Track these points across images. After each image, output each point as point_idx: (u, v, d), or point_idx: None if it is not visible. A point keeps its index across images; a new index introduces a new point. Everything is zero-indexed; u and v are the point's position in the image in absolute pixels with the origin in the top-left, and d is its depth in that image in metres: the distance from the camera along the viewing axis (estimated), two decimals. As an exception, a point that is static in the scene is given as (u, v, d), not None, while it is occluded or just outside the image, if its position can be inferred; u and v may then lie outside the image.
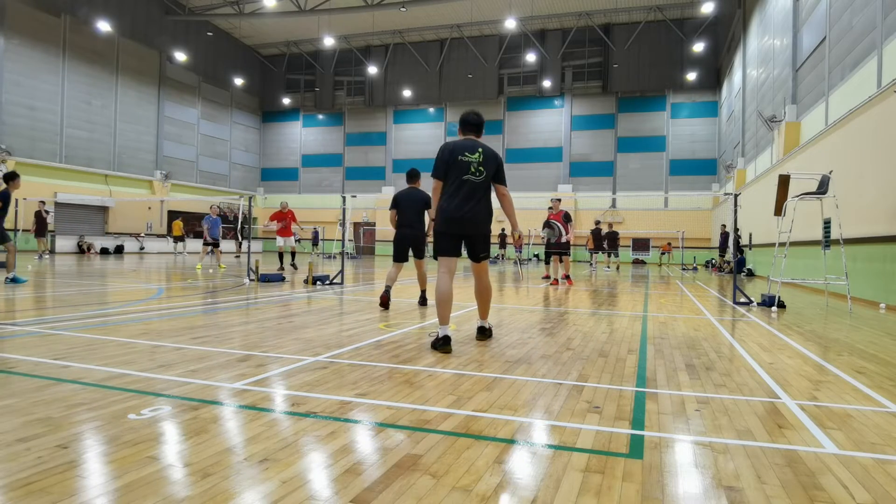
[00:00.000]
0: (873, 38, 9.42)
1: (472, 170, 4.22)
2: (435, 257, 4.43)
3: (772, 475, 1.92)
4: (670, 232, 28.20)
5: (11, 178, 8.97)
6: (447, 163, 4.23)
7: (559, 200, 11.85)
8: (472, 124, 4.40)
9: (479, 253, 4.42)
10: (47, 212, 18.01)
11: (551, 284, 11.46)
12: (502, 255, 28.95)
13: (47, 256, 17.74)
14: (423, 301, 7.16)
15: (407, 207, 6.83)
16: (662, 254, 27.45)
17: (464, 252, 4.50)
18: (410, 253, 7.04)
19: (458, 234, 4.30)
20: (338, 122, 37.51)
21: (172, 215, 30.90)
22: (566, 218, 11.58)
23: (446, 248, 4.31)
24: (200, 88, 33.12)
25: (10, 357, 3.50)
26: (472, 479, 1.83)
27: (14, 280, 8.71)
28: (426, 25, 33.10)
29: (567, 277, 11.58)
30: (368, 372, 3.34)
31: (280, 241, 13.67)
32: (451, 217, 4.23)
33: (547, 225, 11.68)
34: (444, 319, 4.19)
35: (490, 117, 33.84)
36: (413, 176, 7.11)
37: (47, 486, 1.69)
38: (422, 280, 7.28)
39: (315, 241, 31.91)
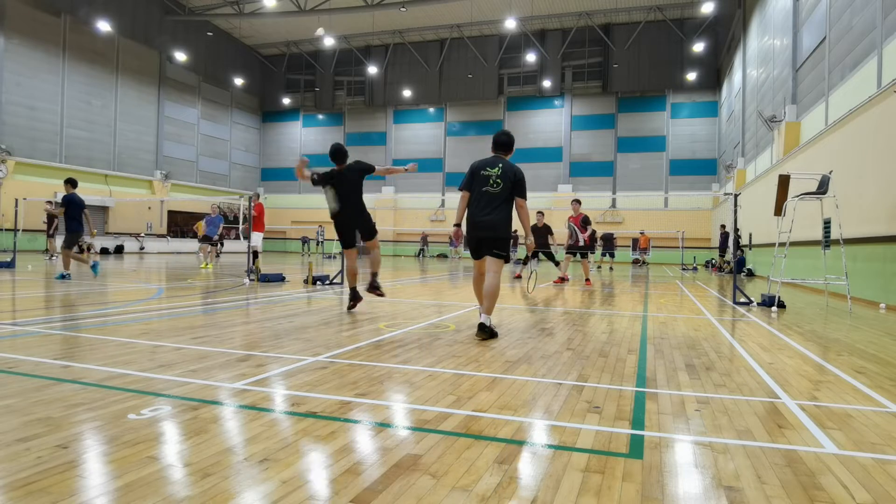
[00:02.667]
0: (873, 38, 9.42)
1: (491, 182, 4.79)
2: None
3: (772, 475, 1.92)
4: (670, 232, 28.17)
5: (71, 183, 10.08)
6: (472, 176, 4.87)
7: (579, 203, 11.98)
8: (499, 143, 5.03)
9: (493, 249, 4.81)
10: (55, 213, 18.19)
11: (556, 282, 11.78)
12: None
13: (55, 258, 17.83)
14: (373, 287, 6.37)
15: (341, 191, 6.04)
16: (642, 251, 25.51)
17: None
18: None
19: (478, 238, 4.86)
20: (338, 122, 37.51)
21: (172, 215, 30.95)
22: (584, 221, 11.74)
23: (473, 252, 4.98)
24: (200, 88, 33.11)
25: (10, 357, 3.50)
26: (472, 479, 1.83)
27: (63, 277, 9.57)
28: (426, 25, 33.09)
29: (587, 280, 12.05)
30: (368, 372, 3.34)
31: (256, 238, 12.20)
32: (471, 222, 4.85)
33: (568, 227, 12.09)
34: (487, 310, 4.70)
35: (490, 117, 33.87)
36: (338, 154, 6.17)
37: (47, 486, 1.69)
38: (374, 262, 6.50)
39: (303, 241, 32.16)
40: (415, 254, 33.48)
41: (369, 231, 6.27)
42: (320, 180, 6.09)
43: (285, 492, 1.69)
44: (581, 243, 11.70)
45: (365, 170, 6.14)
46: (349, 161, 6.17)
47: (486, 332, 4.63)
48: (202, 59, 32.79)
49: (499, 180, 4.77)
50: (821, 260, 9.51)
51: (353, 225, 6.18)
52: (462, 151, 34.33)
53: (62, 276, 9.50)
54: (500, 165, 4.83)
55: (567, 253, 12.03)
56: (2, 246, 21.44)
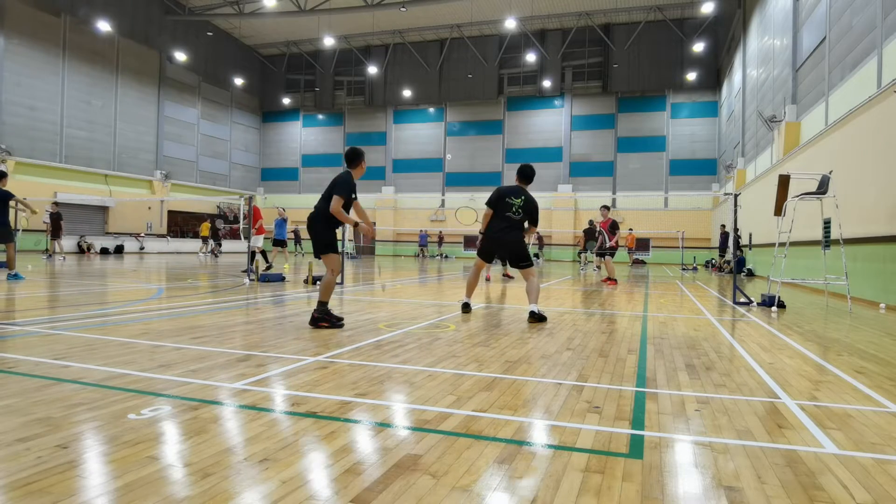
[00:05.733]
0: (873, 38, 9.42)
1: (513, 210, 5.88)
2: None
3: (772, 475, 1.92)
4: (670, 232, 28.17)
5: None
6: (497, 199, 5.93)
7: (607, 209, 13.01)
8: (522, 175, 6.06)
9: (519, 262, 5.98)
10: (59, 213, 18.59)
11: (604, 280, 12.89)
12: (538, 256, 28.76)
13: (62, 258, 18.31)
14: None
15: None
16: (629, 250, 24.87)
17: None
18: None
19: (491, 250, 6.17)
20: (338, 122, 37.50)
21: (172, 216, 30.93)
22: (612, 227, 12.79)
23: (482, 255, 6.23)
24: (200, 88, 33.10)
25: (10, 357, 3.50)
26: (472, 479, 1.83)
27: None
28: (426, 25, 33.08)
29: (613, 280, 12.66)
30: (368, 372, 3.34)
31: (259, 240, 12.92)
32: (490, 237, 6.03)
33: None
34: (534, 301, 5.78)
35: (490, 117, 33.88)
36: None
37: (47, 486, 1.69)
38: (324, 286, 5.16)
39: (297, 240, 32.07)
40: (414, 254, 33.48)
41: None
42: None
43: (285, 492, 1.69)
44: (608, 245, 12.86)
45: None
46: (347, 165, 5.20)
47: (536, 318, 5.60)
48: (202, 59, 32.77)
49: (520, 210, 5.88)
50: (821, 260, 9.50)
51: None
52: (462, 151, 34.34)
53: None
54: (523, 197, 5.90)
55: (598, 256, 13.43)
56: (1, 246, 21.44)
